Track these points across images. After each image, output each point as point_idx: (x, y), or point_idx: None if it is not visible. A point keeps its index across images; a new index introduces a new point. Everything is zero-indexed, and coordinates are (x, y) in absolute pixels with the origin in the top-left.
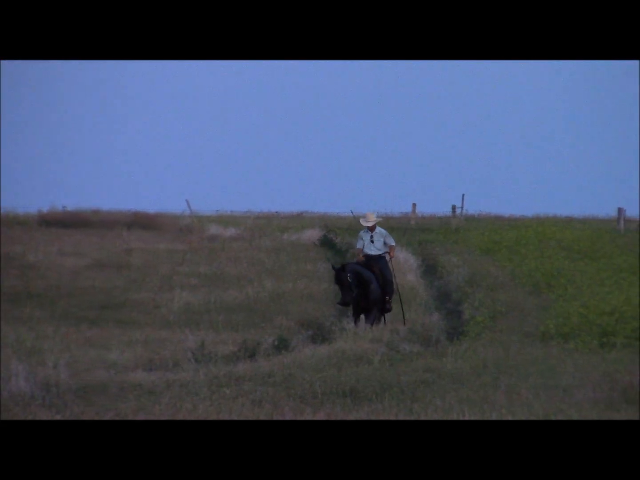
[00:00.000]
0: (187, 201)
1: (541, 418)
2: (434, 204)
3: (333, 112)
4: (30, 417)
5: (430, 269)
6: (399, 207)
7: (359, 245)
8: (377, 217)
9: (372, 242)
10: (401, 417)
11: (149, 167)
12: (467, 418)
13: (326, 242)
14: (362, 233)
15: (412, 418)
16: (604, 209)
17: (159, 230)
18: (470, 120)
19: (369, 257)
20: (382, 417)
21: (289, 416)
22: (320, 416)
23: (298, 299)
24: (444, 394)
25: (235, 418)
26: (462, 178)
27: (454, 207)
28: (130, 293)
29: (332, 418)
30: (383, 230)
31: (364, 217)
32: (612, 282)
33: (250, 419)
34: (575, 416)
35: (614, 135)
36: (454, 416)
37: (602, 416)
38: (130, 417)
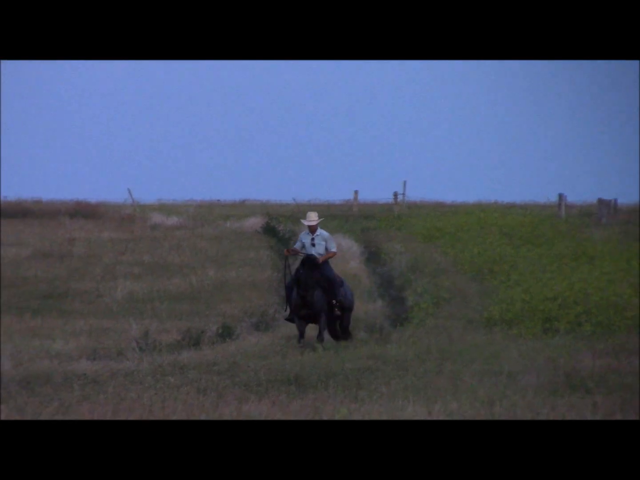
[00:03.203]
0: (129, 190)
1: (485, 404)
2: (376, 191)
3: (275, 99)
4: None
5: (372, 256)
6: (340, 194)
7: (296, 246)
8: (320, 217)
9: (313, 245)
10: (346, 404)
11: (91, 156)
12: (411, 405)
13: (269, 230)
14: (302, 235)
15: (357, 405)
16: (545, 195)
17: (101, 219)
18: (410, 107)
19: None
20: (327, 404)
21: (233, 405)
22: (265, 403)
23: (242, 287)
24: (388, 380)
25: (180, 406)
26: (404, 165)
27: (395, 194)
28: (73, 282)
29: (277, 405)
30: (325, 233)
31: (306, 216)
32: (554, 268)
33: (195, 407)
34: (519, 402)
35: (555, 122)
36: (398, 403)
37: (546, 402)
38: (75, 407)
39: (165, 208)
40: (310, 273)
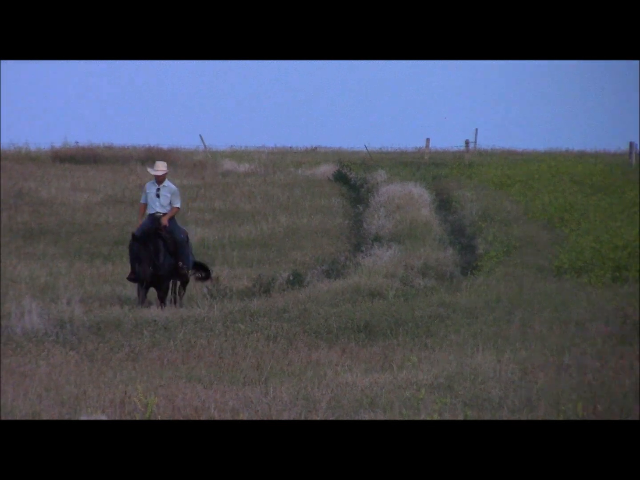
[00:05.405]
0: (200, 136)
1: (555, 352)
2: (447, 138)
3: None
4: (44, 354)
5: (443, 204)
6: (412, 142)
7: (143, 200)
8: (168, 169)
9: (158, 196)
10: (416, 352)
11: (163, 102)
12: (480, 353)
13: (340, 177)
14: (147, 185)
15: (427, 352)
16: (615, 144)
17: (172, 165)
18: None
19: (154, 217)
20: (397, 352)
21: (303, 352)
22: (335, 350)
23: (312, 234)
24: (458, 328)
25: (250, 353)
26: (475, 112)
27: (467, 142)
28: None
29: (347, 353)
30: (173, 186)
31: (153, 165)
32: (625, 217)
33: (265, 353)
34: (588, 350)
35: (625, 70)
36: (468, 351)
37: (615, 350)
38: (144, 353)
39: (236, 155)
40: (144, 246)
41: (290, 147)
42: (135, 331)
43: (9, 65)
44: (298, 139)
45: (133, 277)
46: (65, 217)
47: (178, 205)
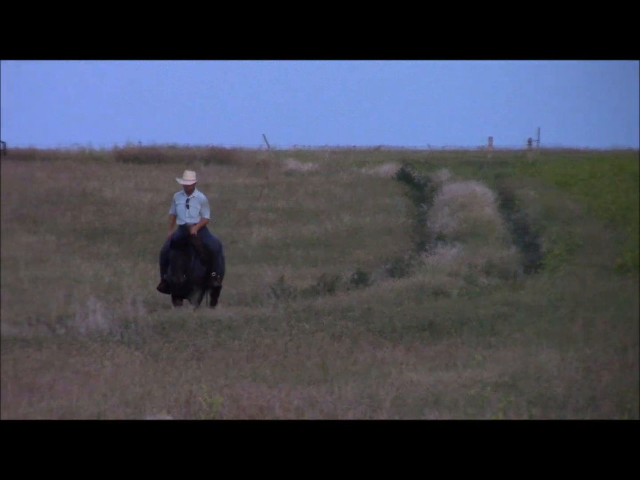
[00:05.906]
0: (264, 136)
1: (618, 350)
2: (510, 137)
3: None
4: (108, 354)
5: (507, 203)
6: (475, 140)
7: (171, 211)
8: (197, 178)
9: (188, 207)
10: (480, 350)
11: (227, 102)
12: (544, 351)
13: (404, 176)
14: (176, 195)
15: (490, 351)
16: None
17: (236, 165)
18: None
19: (184, 227)
20: (461, 351)
21: (368, 351)
22: (400, 349)
23: (376, 233)
24: (522, 327)
25: (315, 352)
26: (538, 111)
27: (530, 141)
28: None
29: (411, 351)
30: (202, 196)
31: (182, 175)
32: None
33: (329, 352)
34: None
35: None
36: (532, 349)
37: None
38: (209, 352)
39: (300, 154)
40: (180, 253)
41: (354, 146)
42: (199, 331)
43: (68, 65)
44: (361, 138)
45: (163, 287)
46: (129, 217)
47: (207, 216)
